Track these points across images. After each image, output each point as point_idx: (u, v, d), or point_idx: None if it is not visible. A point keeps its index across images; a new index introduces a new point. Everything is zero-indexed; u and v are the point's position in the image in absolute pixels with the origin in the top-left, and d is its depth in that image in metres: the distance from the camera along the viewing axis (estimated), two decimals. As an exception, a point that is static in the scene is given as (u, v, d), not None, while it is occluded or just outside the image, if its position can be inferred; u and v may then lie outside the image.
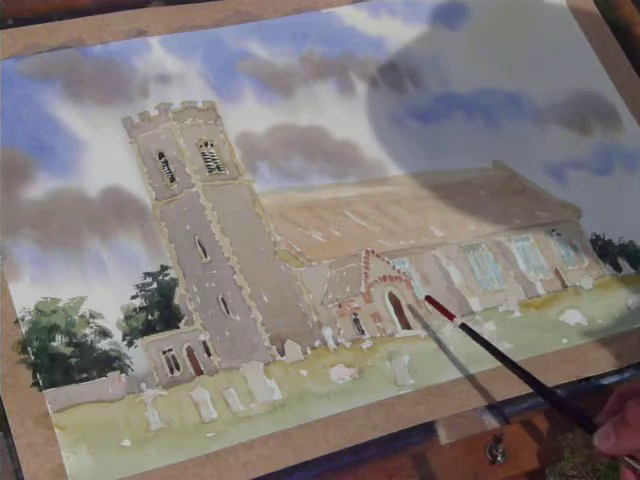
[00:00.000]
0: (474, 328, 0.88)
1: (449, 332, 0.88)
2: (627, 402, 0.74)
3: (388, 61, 1.03)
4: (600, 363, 0.89)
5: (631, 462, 0.74)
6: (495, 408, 0.85)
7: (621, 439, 0.73)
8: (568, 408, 0.80)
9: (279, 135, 0.96)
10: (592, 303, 0.92)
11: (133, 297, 0.84)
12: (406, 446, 0.82)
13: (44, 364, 0.80)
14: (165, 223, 0.89)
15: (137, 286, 0.85)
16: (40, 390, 0.79)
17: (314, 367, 0.84)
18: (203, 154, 0.93)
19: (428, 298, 0.88)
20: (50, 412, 0.78)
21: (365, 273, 0.90)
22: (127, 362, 0.82)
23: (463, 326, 0.86)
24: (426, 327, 0.88)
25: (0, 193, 0.86)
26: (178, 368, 0.83)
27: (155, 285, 0.85)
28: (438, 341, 0.88)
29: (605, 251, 0.97)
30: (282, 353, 0.84)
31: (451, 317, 0.86)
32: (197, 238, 0.88)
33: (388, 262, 0.91)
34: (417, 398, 0.84)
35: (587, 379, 0.88)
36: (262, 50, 1.00)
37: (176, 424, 0.80)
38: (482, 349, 0.87)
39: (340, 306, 0.88)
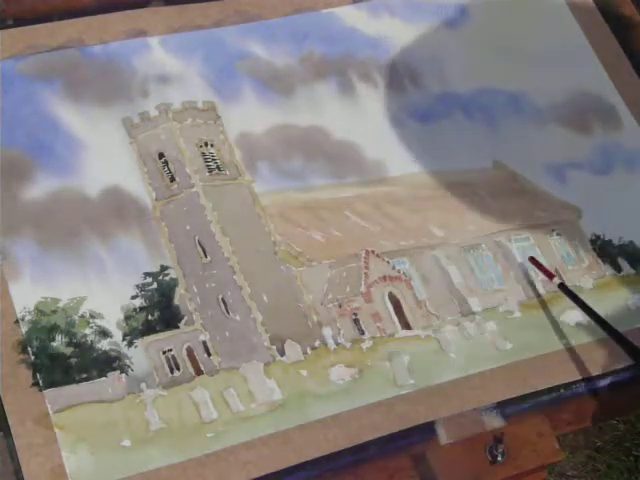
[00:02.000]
0: (474, 328, 0.88)
1: (449, 332, 0.88)
2: None
3: (388, 61, 1.03)
4: (600, 363, 0.89)
5: None
6: (495, 408, 0.85)
7: None
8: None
9: (279, 135, 0.96)
10: (592, 303, 0.92)
11: (133, 297, 0.84)
12: (406, 446, 0.82)
13: (44, 364, 0.80)
14: (165, 223, 0.89)
15: (137, 286, 0.85)
16: (40, 390, 0.79)
17: (314, 367, 0.84)
18: (203, 154, 0.93)
19: (531, 259, 0.92)
20: (50, 412, 0.78)
21: (365, 273, 0.90)
22: (127, 362, 0.82)
23: (561, 285, 0.90)
24: (426, 327, 0.88)
25: (0, 193, 0.86)
26: (178, 368, 0.83)
27: (155, 285, 0.85)
28: (438, 341, 0.88)
29: (605, 251, 0.97)
30: (282, 353, 0.84)
31: (551, 276, 0.91)
32: (197, 238, 0.88)
33: (388, 262, 0.91)
34: (417, 398, 0.84)
35: (587, 379, 0.88)
36: (262, 50, 1.00)
37: (176, 424, 0.80)
38: (481, 349, 0.87)
39: (340, 306, 0.88)
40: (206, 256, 0.88)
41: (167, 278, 0.86)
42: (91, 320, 0.83)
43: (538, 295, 0.93)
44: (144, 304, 0.84)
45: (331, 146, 0.97)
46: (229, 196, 0.91)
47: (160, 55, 0.97)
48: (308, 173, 0.94)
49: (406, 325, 0.88)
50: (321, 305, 0.88)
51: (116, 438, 0.78)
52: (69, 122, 0.92)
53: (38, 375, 0.79)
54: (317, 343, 0.86)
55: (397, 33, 1.05)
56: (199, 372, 0.83)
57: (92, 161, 0.90)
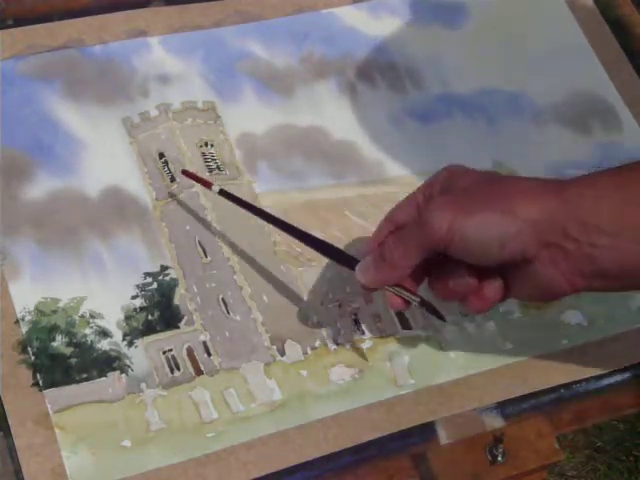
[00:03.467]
0: (474, 328, 0.88)
1: (449, 332, 0.88)
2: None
3: (388, 61, 1.03)
4: (600, 363, 0.89)
5: (396, 289, 0.78)
6: (495, 408, 0.85)
7: (379, 273, 0.77)
8: (328, 248, 0.83)
9: (279, 135, 0.96)
10: (592, 303, 0.92)
11: (133, 297, 0.84)
12: (406, 446, 0.82)
13: (44, 364, 0.80)
14: (165, 223, 0.89)
15: (137, 286, 0.85)
16: (40, 390, 0.79)
17: (314, 367, 0.84)
18: (203, 154, 0.93)
19: (184, 171, 0.89)
20: (50, 412, 0.78)
21: (365, 273, 0.90)
22: (127, 362, 0.82)
23: (222, 192, 0.86)
24: (426, 327, 0.88)
25: (0, 193, 0.86)
26: (178, 368, 0.83)
27: (155, 285, 0.86)
28: (438, 341, 0.88)
29: (605, 251, 0.97)
30: (282, 353, 0.85)
31: (209, 185, 0.86)
32: (197, 238, 0.89)
33: (388, 262, 0.91)
34: (417, 398, 0.84)
35: (587, 379, 0.88)
36: (262, 50, 1.01)
37: (176, 424, 0.80)
38: (481, 349, 0.87)
39: (340, 306, 0.88)
40: (206, 256, 0.88)
41: (167, 278, 0.86)
42: (91, 320, 0.83)
43: (538, 295, 0.92)
44: (144, 304, 0.84)
45: (331, 146, 0.97)
46: (229, 196, 0.91)
47: (160, 55, 0.98)
48: (308, 173, 0.94)
49: (406, 325, 0.88)
50: (321, 305, 0.88)
51: (116, 438, 0.78)
52: (69, 122, 0.92)
53: (38, 375, 0.79)
54: (317, 343, 0.86)
55: (397, 33, 1.05)
56: (199, 372, 0.83)
57: (92, 161, 0.90)
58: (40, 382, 0.79)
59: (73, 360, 0.81)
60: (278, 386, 0.83)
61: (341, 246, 0.91)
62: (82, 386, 0.80)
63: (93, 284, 0.84)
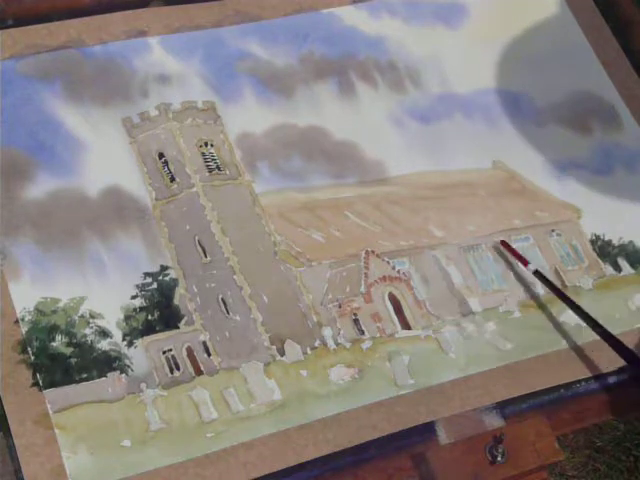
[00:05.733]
0: (474, 328, 0.88)
1: (449, 332, 0.88)
2: None
3: (388, 61, 1.03)
4: (600, 363, 0.89)
5: None
6: (495, 408, 0.85)
7: None
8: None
9: (279, 135, 0.96)
10: (592, 303, 0.92)
11: (133, 297, 0.84)
12: (406, 446, 0.82)
13: (44, 364, 0.80)
14: (165, 223, 0.89)
15: (137, 286, 0.85)
16: (40, 390, 0.79)
17: (314, 367, 0.84)
18: (203, 154, 0.93)
19: (503, 243, 0.93)
20: (50, 412, 0.78)
21: (365, 273, 0.90)
22: (127, 362, 0.82)
23: (536, 272, 0.90)
24: (426, 327, 0.88)
25: (0, 193, 0.86)
26: (178, 368, 0.83)
27: (155, 285, 0.86)
28: (438, 341, 0.88)
29: (605, 251, 0.97)
30: (282, 353, 0.85)
31: (525, 263, 0.91)
32: (197, 238, 0.88)
33: (388, 262, 0.91)
34: (417, 398, 0.84)
35: (587, 379, 0.88)
36: (262, 50, 1.00)
37: (176, 424, 0.80)
38: (481, 349, 0.87)
39: (340, 306, 0.88)
40: (206, 256, 0.88)
41: (167, 278, 0.86)
42: (91, 320, 0.83)
43: (538, 295, 0.93)
44: (144, 304, 0.84)
45: (331, 146, 0.97)
46: (229, 196, 0.91)
47: (160, 55, 0.98)
48: (308, 173, 0.94)
49: (406, 325, 0.88)
50: (321, 305, 0.88)
51: (116, 438, 0.78)
52: (69, 122, 0.92)
53: (38, 375, 0.79)
54: (317, 343, 0.86)
55: (397, 33, 1.05)
56: (199, 372, 0.83)
57: (92, 161, 0.90)
58: (40, 382, 0.79)
59: (73, 360, 0.81)
60: (278, 386, 0.83)
61: (341, 246, 0.91)
62: (82, 386, 0.80)
63: (93, 284, 0.84)
